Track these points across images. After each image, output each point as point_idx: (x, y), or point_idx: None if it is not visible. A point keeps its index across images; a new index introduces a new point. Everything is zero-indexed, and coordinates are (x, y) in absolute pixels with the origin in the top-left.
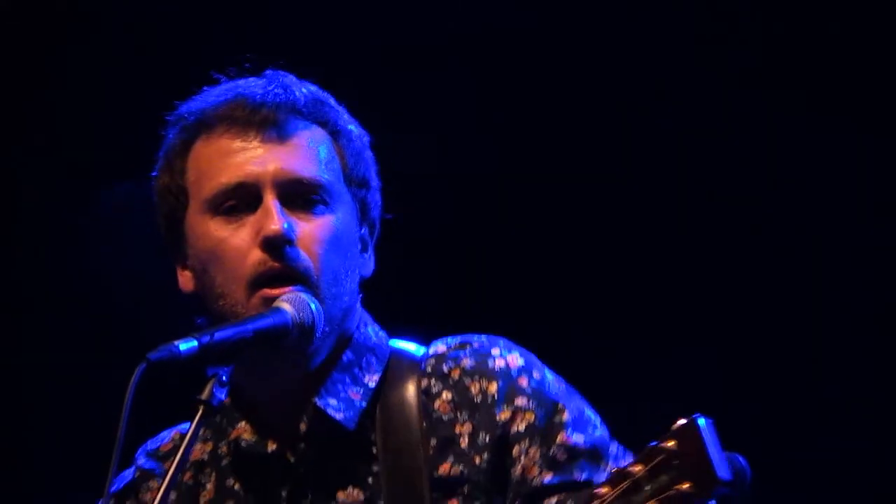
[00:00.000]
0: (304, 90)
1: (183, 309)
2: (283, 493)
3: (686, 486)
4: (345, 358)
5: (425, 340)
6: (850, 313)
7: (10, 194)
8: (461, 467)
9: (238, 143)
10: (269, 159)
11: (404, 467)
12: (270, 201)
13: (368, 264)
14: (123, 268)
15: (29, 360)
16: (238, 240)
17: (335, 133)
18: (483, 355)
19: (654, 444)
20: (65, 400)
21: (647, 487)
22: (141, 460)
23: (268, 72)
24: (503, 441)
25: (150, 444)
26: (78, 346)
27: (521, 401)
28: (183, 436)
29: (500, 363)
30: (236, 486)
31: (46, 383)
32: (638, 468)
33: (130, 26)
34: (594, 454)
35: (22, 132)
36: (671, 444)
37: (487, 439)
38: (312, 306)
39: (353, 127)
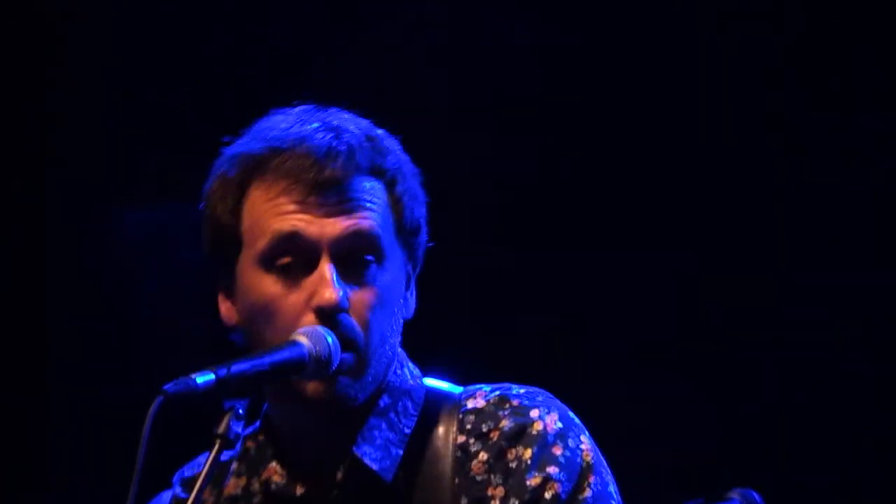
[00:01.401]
0: (364, 140)
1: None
2: None
3: None
4: (381, 403)
5: (457, 374)
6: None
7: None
8: None
9: (295, 203)
10: (326, 223)
11: None
12: (326, 267)
13: (411, 305)
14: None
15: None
16: (291, 301)
17: (392, 182)
18: (522, 417)
19: None
20: (84, 424)
21: None
22: (177, 488)
23: (318, 111)
24: None
25: (187, 471)
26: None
27: (552, 469)
28: (223, 464)
29: (538, 427)
30: None
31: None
32: None
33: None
34: None
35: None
36: None
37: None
38: (329, 339)
39: (408, 167)
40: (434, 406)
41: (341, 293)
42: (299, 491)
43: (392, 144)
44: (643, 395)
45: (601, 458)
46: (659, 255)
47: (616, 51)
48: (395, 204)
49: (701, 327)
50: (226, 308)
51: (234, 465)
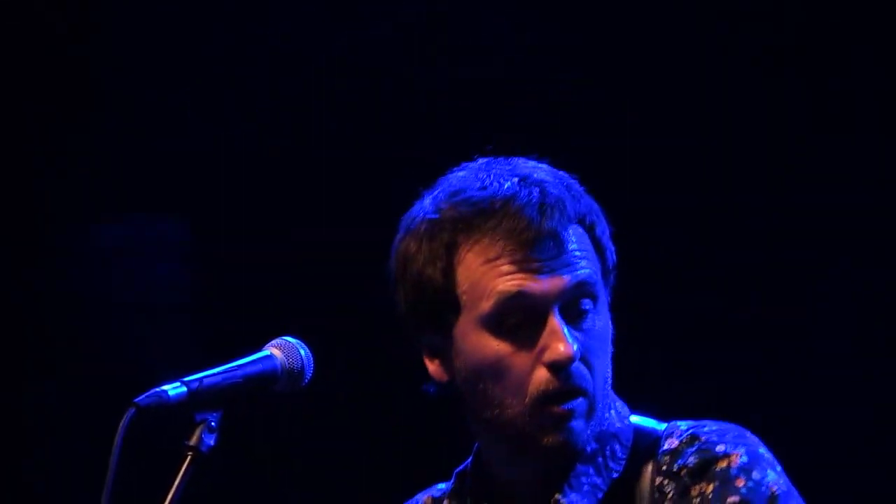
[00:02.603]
0: (564, 189)
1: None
2: None
3: None
4: (589, 448)
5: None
6: None
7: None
8: None
9: (515, 263)
10: (550, 279)
11: None
12: (556, 321)
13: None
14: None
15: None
16: (521, 359)
17: (591, 226)
18: (708, 453)
19: None
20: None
21: None
22: None
23: (501, 162)
24: None
25: (434, 492)
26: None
27: (732, 499)
28: (435, 500)
29: (722, 463)
30: None
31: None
32: None
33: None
34: None
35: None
36: None
37: None
38: (302, 352)
39: (597, 207)
40: (640, 447)
41: (576, 346)
42: None
43: (580, 188)
44: None
45: (793, 492)
46: (659, 255)
47: (616, 51)
48: (597, 246)
49: None
50: (435, 367)
51: (445, 502)
